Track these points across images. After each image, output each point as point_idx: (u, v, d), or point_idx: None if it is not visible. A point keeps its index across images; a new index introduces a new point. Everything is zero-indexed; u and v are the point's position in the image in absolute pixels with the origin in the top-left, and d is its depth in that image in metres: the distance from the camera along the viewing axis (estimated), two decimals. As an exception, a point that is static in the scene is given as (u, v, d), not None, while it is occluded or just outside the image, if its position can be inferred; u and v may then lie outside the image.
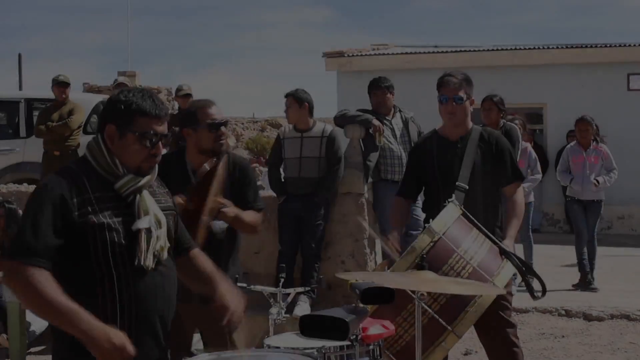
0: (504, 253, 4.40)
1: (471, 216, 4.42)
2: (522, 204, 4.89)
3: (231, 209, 4.27)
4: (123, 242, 2.94)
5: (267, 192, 8.07)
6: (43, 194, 2.89)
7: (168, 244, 3.12)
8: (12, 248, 2.85)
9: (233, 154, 4.66)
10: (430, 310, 3.99)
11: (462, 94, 4.77)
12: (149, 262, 3.00)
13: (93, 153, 3.02)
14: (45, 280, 2.78)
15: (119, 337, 2.78)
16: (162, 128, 3.06)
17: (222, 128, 4.43)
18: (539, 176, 9.17)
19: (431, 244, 4.12)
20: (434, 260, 4.08)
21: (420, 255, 3.71)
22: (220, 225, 4.33)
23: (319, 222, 7.42)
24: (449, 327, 4.03)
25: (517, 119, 9.23)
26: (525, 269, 4.48)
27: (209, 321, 4.43)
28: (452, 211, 4.34)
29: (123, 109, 3.00)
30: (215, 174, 4.26)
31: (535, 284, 4.56)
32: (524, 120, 9.78)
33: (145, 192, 3.06)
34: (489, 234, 4.47)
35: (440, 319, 4.01)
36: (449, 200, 4.44)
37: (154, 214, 3.06)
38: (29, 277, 2.76)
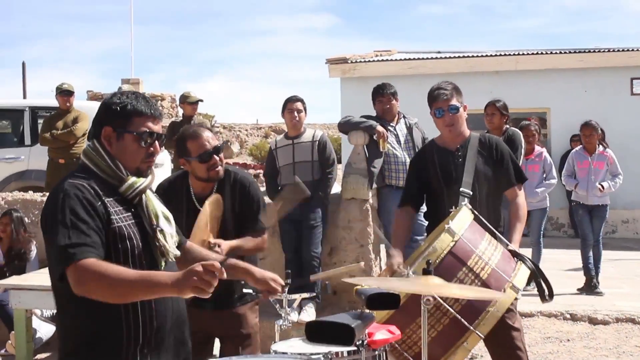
0: (516, 255, 4.44)
1: (484, 220, 4.45)
2: (524, 207, 4.91)
3: (224, 246, 4.22)
4: (140, 244, 2.95)
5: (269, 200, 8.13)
6: (68, 200, 2.84)
7: (178, 240, 3.16)
8: (62, 256, 2.75)
9: (235, 172, 4.60)
10: (452, 310, 4.00)
11: (455, 102, 4.81)
12: (172, 257, 3.04)
13: (93, 159, 3.01)
14: (106, 265, 2.75)
15: (198, 267, 2.71)
16: (158, 127, 3.10)
17: (215, 156, 4.39)
18: (554, 181, 9.18)
19: (452, 244, 4.13)
20: (454, 261, 4.11)
21: (427, 259, 3.72)
22: None
23: (316, 225, 7.46)
24: (470, 327, 4.04)
25: (532, 125, 9.26)
26: (536, 271, 4.51)
27: (224, 326, 4.45)
28: (466, 215, 4.36)
29: (119, 111, 3.01)
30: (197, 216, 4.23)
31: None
32: (539, 125, 9.80)
33: (148, 192, 3.09)
34: (501, 237, 4.50)
35: (462, 319, 4.02)
36: (463, 203, 4.46)
37: (161, 212, 3.09)
38: (91, 270, 2.71)
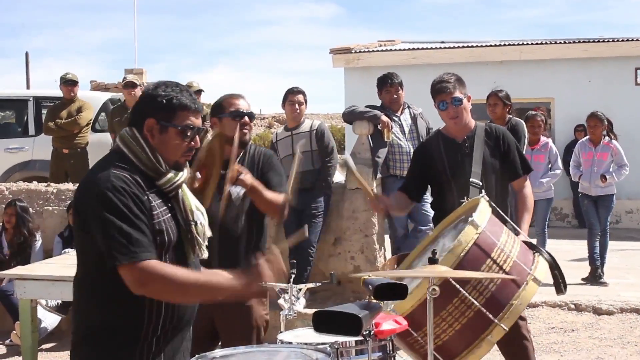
0: (532, 247, 4.43)
1: (501, 212, 4.43)
2: (531, 198, 4.92)
3: (249, 176, 4.17)
4: (174, 239, 2.94)
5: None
6: (117, 193, 2.79)
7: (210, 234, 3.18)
8: (121, 252, 2.73)
9: (257, 146, 4.65)
10: (477, 303, 3.99)
11: (458, 94, 4.81)
12: (205, 254, 3.07)
13: (133, 149, 2.96)
14: (170, 268, 2.80)
15: (258, 271, 2.86)
16: (199, 121, 3.08)
17: (246, 118, 4.43)
18: (559, 171, 9.17)
19: (476, 236, 4.10)
20: (480, 252, 4.09)
21: (433, 249, 3.71)
22: (237, 190, 4.22)
23: (318, 214, 7.49)
24: (495, 320, 4.02)
25: (539, 115, 9.25)
26: (553, 263, 4.49)
27: (230, 317, 4.43)
28: (485, 207, 4.34)
29: (165, 104, 2.98)
30: (216, 146, 4.12)
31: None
32: (546, 116, 9.78)
33: (184, 186, 3.07)
34: (517, 228, 4.49)
35: (487, 312, 4.01)
36: (480, 195, 4.44)
37: (196, 207, 3.09)
38: (158, 272, 2.75)
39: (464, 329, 4.00)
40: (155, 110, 2.98)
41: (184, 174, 3.06)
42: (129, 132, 3.00)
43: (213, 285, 2.85)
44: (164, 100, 2.98)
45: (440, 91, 4.83)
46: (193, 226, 3.02)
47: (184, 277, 2.80)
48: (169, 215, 2.95)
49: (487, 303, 4.02)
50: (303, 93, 7.63)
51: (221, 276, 2.87)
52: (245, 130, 4.43)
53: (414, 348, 4.15)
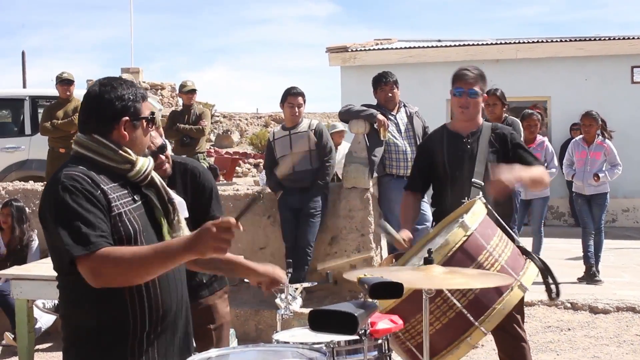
0: (525, 253, 4.41)
1: (496, 215, 4.41)
2: (547, 177, 4.91)
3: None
4: (140, 228, 2.94)
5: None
6: (69, 192, 2.81)
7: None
8: (72, 249, 2.73)
9: (185, 163, 4.37)
10: (458, 305, 3.97)
11: (477, 88, 4.80)
12: (182, 232, 3.06)
13: (95, 150, 2.97)
14: (119, 249, 2.77)
15: (211, 227, 2.71)
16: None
17: (160, 155, 4.14)
18: (555, 170, 9.15)
19: (464, 238, 4.09)
20: (465, 255, 4.07)
21: (429, 249, 3.69)
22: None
23: (316, 214, 7.51)
24: (475, 323, 4.00)
25: (535, 114, 9.25)
26: (545, 270, 4.47)
27: (195, 320, 4.42)
28: (480, 208, 4.31)
29: (133, 99, 3.05)
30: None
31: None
32: (543, 114, 9.77)
33: (153, 172, 3.09)
34: (511, 233, 4.47)
35: (468, 314, 3.99)
36: (478, 197, 4.43)
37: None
38: (107, 258, 2.72)
39: (445, 328, 3.99)
40: (126, 110, 3.02)
41: (151, 159, 3.10)
42: (84, 136, 3.01)
43: (161, 255, 2.76)
44: (131, 97, 3.03)
45: (460, 78, 4.83)
46: (170, 204, 3.07)
47: (130, 255, 2.75)
48: (135, 205, 2.96)
49: (469, 305, 4.00)
50: (302, 95, 7.67)
51: (168, 244, 2.82)
52: (165, 167, 4.18)
53: (397, 342, 4.16)
